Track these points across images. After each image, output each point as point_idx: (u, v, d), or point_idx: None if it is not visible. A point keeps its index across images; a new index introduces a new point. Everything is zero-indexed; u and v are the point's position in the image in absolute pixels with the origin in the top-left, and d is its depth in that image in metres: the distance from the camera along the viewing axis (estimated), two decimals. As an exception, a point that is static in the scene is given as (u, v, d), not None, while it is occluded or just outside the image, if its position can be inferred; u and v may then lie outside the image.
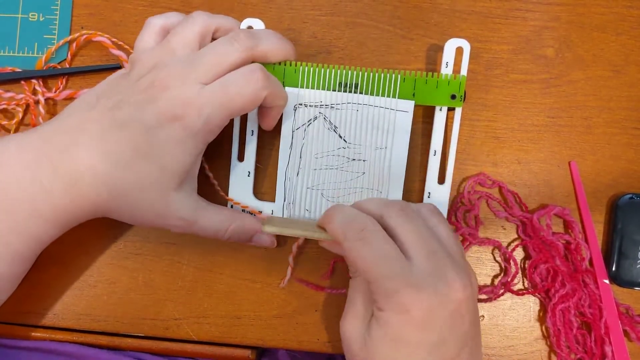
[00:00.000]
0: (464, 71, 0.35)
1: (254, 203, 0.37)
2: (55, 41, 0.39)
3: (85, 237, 0.38)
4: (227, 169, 0.37)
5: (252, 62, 0.33)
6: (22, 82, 0.39)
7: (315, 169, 0.36)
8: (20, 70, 0.39)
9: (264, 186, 0.38)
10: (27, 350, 0.37)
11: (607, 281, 0.36)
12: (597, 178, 0.38)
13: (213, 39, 0.33)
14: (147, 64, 0.31)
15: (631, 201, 0.36)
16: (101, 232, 0.38)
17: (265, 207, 0.37)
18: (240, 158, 0.37)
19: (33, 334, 0.38)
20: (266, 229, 0.32)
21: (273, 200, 0.37)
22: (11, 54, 0.39)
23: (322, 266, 0.38)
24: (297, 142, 0.36)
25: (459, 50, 0.35)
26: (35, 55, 0.39)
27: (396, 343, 0.28)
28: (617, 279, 0.36)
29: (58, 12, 0.39)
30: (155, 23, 0.33)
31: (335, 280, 0.38)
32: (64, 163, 0.29)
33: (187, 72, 0.30)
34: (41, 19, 0.39)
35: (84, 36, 0.39)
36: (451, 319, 0.28)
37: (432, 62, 0.38)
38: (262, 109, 0.34)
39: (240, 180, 0.37)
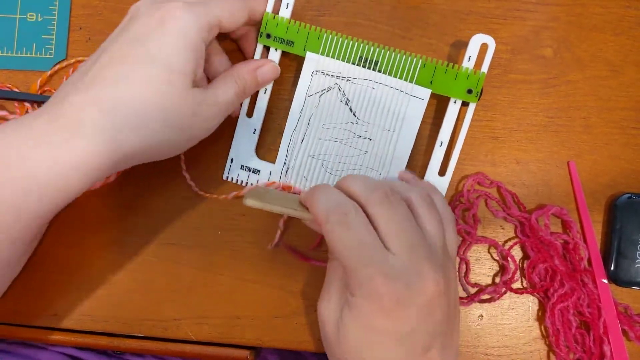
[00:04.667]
0: (485, 68, 0.35)
1: (254, 162, 0.37)
2: (54, 41, 0.39)
3: (85, 237, 0.38)
4: (232, 125, 0.37)
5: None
6: (16, 104, 0.38)
7: (320, 139, 0.36)
8: (17, 90, 0.38)
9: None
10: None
11: (605, 281, 0.36)
12: (595, 178, 0.38)
13: None
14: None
15: (630, 201, 0.36)
16: (101, 233, 0.38)
17: (265, 168, 0.37)
18: (249, 114, 0.37)
19: (32, 335, 0.38)
20: (248, 202, 0.31)
21: (273, 162, 0.37)
22: (9, 54, 0.39)
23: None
24: (308, 108, 0.36)
25: (484, 47, 0.35)
26: (33, 55, 0.39)
27: (366, 330, 0.29)
28: (615, 278, 0.36)
29: (56, 13, 0.39)
30: None
31: (323, 253, 0.38)
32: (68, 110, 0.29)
33: None
34: (39, 20, 0.39)
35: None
36: (421, 312, 0.28)
37: (431, 62, 0.38)
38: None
39: (245, 136, 0.37)
